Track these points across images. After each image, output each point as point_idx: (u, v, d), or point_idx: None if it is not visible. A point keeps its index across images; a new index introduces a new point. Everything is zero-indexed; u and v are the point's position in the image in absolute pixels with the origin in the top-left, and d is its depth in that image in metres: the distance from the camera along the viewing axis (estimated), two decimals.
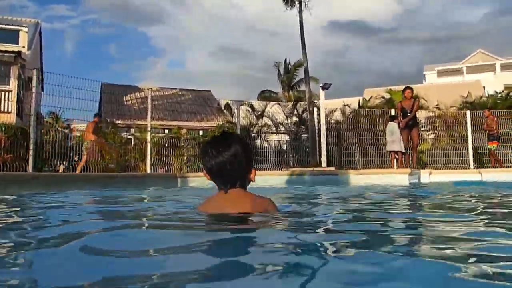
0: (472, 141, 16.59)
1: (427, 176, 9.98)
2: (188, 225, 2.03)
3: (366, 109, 18.16)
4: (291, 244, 1.46)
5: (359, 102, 21.34)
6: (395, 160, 11.49)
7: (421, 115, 18.68)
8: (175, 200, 4.01)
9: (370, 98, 21.52)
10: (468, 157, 16.60)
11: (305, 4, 16.82)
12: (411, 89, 11.12)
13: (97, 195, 4.75)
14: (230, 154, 1.99)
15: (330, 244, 1.47)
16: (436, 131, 18.54)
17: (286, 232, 1.79)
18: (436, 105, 20.37)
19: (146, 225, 2.22)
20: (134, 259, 1.23)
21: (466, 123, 16.87)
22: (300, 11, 16.84)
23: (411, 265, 1.14)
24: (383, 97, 20.86)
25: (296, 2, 16.66)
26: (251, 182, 2.13)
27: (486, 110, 15.09)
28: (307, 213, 2.71)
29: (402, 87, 23.21)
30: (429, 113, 19.06)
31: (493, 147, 13.94)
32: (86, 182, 6.58)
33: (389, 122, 12.29)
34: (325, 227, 2.00)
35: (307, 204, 3.71)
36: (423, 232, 1.90)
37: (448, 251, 1.33)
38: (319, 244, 1.47)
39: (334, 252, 1.37)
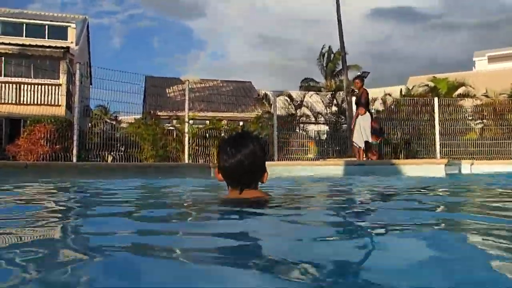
0: None
1: (468, 167, 9.58)
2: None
3: (408, 98, 17.60)
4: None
5: (401, 91, 20.73)
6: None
7: (467, 103, 17.91)
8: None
9: (413, 86, 20.84)
10: None
11: None
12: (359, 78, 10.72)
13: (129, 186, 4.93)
14: (248, 153, 1.97)
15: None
16: (484, 120, 17.69)
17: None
18: (485, 92, 19.39)
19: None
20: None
21: None
22: None
23: None
24: (426, 85, 20.13)
25: None
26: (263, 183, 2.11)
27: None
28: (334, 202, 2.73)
29: (447, 75, 22.43)
30: (477, 101, 18.20)
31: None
32: (121, 172, 6.87)
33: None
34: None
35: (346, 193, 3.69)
36: None
37: None
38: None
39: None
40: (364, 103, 10.28)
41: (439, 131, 15.12)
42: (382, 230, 1.57)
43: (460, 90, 19.76)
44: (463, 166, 9.51)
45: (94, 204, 2.81)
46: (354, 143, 10.52)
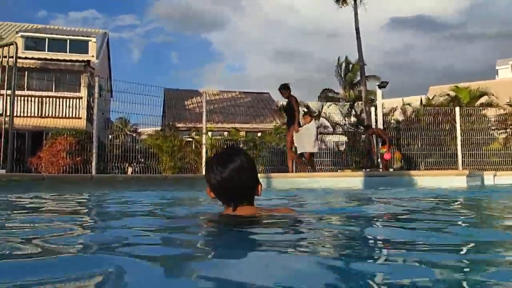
0: None
1: (491, 178, 9.31)
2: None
3: (428, 107, 17.33)
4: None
5: (421, 101, 20.44)
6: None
7: (490, 112, 17.53)
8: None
9: (434, 96, 20.53)
10: None
11: (360, 0, 16.44)
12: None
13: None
14: (235, 168, 1.90)
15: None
16: (508, 130, 17.26)
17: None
18: (508, 101, 18.97)
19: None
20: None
21: None
22: (355, 7, 16.50)
23: None
24: (447, 95, 19.80)
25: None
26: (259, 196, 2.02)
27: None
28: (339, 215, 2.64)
29: (468, 84, 22.04)
30: (500, 111, 17.81)
31: None
32: (137, 184, 6.89)
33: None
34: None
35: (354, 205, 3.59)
36: None
37: None
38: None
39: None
40: (298, 110, 9.69)
41: (461, 141, 14.81)
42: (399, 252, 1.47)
43: (483, 99, 19.38)
44: (486, 177, 9.23)
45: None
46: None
